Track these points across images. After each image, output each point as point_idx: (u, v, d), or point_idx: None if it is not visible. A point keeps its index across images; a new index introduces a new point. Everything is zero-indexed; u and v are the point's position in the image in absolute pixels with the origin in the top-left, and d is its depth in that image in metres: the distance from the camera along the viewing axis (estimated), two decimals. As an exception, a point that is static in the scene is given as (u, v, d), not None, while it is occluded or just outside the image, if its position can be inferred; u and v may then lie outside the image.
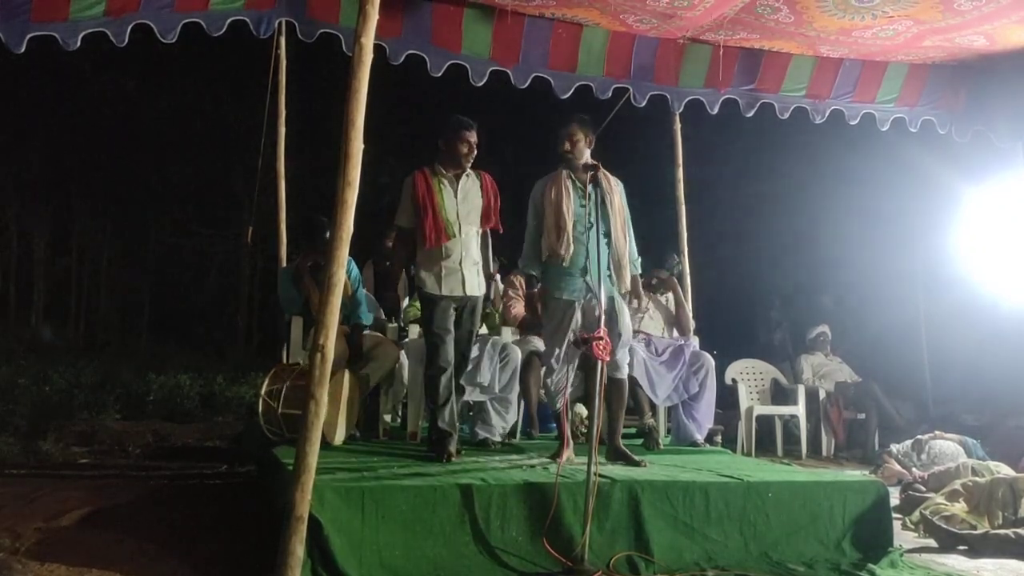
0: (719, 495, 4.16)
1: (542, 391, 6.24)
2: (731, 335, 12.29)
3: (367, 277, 7.04)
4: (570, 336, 4.84)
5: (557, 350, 4.91)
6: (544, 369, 5.16)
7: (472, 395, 5.78)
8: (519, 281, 6.61)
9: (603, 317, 4.34)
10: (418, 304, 6.22)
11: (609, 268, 4.90)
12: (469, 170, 5.16)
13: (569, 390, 4.94)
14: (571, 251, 4.85)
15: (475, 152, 5.11)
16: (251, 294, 21.95)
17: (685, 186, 7.53)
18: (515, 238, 5.43)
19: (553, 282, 4.96)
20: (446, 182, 5.10)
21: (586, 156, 4.96)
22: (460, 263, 5.06)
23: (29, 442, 7.09)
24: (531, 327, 6.40)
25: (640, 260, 5.26)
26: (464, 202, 5.11)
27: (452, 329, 5.08)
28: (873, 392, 8.27)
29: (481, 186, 5.19)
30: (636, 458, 4.85)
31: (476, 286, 5.16)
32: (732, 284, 14.97)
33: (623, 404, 5.14)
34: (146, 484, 5.67)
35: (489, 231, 5.29)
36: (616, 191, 5.01)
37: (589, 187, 4.76)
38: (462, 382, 5.34)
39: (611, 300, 4.91)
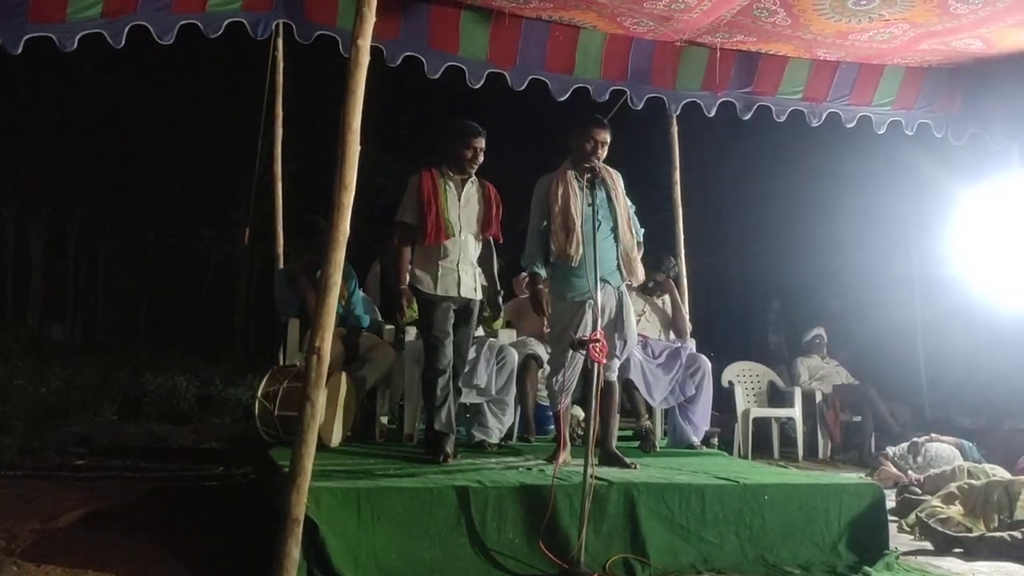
0: (715, 497, 4.16)
1: (540, 394, 6.24)
2: (728, 338, 12.32)
3: (373, 276, 7.03)
4: (571, 337, 4.82)
5: (565, 352, 4.89)
6: (549, 369, 5.15)
7: (469, 397, 5.79)
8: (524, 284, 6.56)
9: (600, 320, 4.35)
10: (415, 305, 6.25)
11: (619, 262, 4.91)
12: (474, 176, 5.20)
13: (572, 390, 4.95)
14: (580, 252, 4.83)
15: (480, 159, 5.13)
16: (248, 295, 21.92)
17: (682, 189, 7.54)
18: (513, 241, 5.43)
19: (561, 283, 4.94)
20: (451, 184, 5.13)
21: None
22: (457, 264, 5.08)
23: (26, 443, 7.09)
24: (531, 328, 6.41)
25: (643, 231, 5.26)
26: (466, 206, 5.14)
27: (451, 332, 5.09)
28: (869, 395, 8.27)
29: (484, 194, 5.24)
30: (628, 460, 4.85)
31: (472, 289, 5.18)
32: (729, 287, 15.00)
33: (614, 407, 5.14)
34: (143, 485, 5.67)
35: (492, 242, 5.34)
36: (619, 185, 5.02)
37: (593, 184, 4.77)
38: (459, 384, 5.34)
39: (619, 301, 4.92)
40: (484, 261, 5.35)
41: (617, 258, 4.93)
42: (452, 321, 5.11)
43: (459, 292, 5.09)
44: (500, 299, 5.74)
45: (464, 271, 5.11)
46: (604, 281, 4.72)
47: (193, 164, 19.52)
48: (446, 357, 5.04)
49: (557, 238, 4.87)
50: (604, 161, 4.99)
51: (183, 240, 21.94)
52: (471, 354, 5.63)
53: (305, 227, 6.20)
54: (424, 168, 5.18)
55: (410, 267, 5.14)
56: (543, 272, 5.01)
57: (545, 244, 4.96)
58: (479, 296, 5.28)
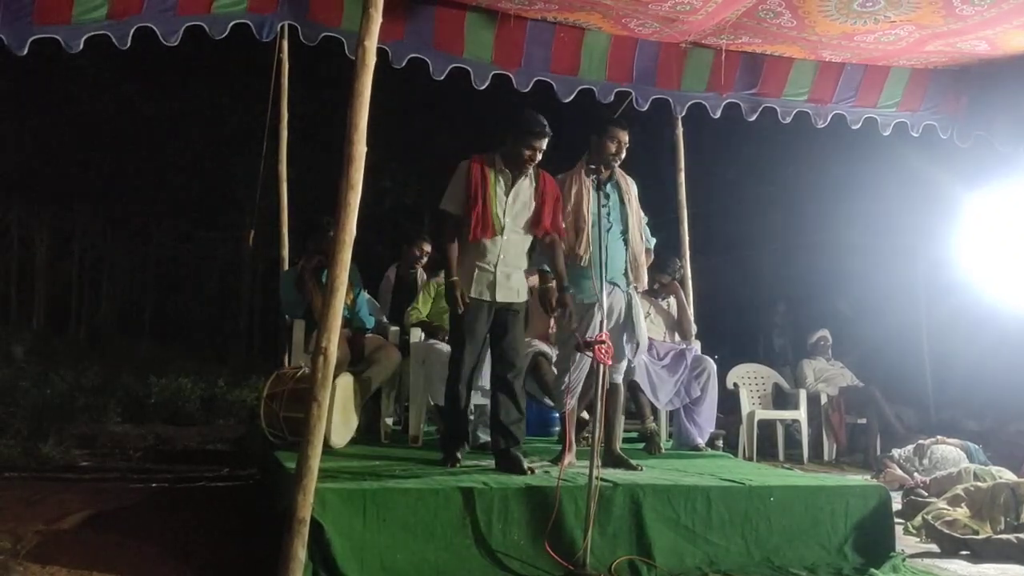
0: (721, 499, 4.16)
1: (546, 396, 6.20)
2: (733, 340, 12.30)
3: (387, 283, 7.03)
4: (578, 338, 4.80)
5: (574, 354, 4.87)
6: (556, 371, 5.13)
7: (474, 399, 5.76)
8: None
9: (608, 322, 4.35)
10: (420, 307, 6.23)
11: (627, 267, 4.92)
12: (529, 170, 4.81)
13: (578, 392, 4.94)
14: (589, 252, 4.83)
15: (537, 160, 4.75)
16: (252, 297, 21.96)
17: (687, 190, 7.52)
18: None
19: (572, 286, 4.91)
20: (501, 178, 4.76)
21: None
22: (495, 266, 4.73)
23: (30, 445, 7.07)
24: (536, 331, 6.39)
25: (655, 241, 5.26)
26: (514, 203, 4.76)
27: (479, 334, 4.80)
28: (874, 397, 8.26)
29: (538, 188, 4.80)
30: (633, 463, 4.86)
31: (515, 292, 4.81)
32: (734, 289, 14.96)
33: (619, 409, 5.14)
34: (147, 487, 5.67)
35: (558, 240, 4.84)
36: (632, 191, 5.04)
37: (607, 186, 4.79)
38: (474, 388, 5.24)
39: (629, 303, 4.93)
40: (551, 258, 4.85)
41: (626, 262, 4.94)
42: (485, 325, 4.80)
43: (494, 296, 4.74)
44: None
45: (502, 273, 4.74)
46: (613, 284, 4.76)
47: (197, 166, 19.55)
48: (468, 364, 4.82)
49: (567, 237, 4.89)
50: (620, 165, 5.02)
51: (187, 242, 21.97)
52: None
53: (312, 227, 6.19)
54: (475, 156, 4.80)
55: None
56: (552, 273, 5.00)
57: None
58: (522, 298, 4.88)
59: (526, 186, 4.80)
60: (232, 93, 17.59)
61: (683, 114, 7.29)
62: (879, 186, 11.35)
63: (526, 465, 4.57)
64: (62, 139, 18.41)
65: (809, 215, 13.13)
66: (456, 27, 6.36)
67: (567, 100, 6.79)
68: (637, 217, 5.05)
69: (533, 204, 4.80)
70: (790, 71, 7.09)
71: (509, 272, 4.78)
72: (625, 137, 4.96)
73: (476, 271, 4.74)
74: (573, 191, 4.93)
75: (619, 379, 5.07)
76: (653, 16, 6.26)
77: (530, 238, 4.86)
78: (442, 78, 6.46)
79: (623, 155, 4.97)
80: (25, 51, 5.18)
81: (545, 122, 4.72)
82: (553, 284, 4.87)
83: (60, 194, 19.87)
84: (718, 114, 7.24)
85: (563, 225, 4.90)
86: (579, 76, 6.78)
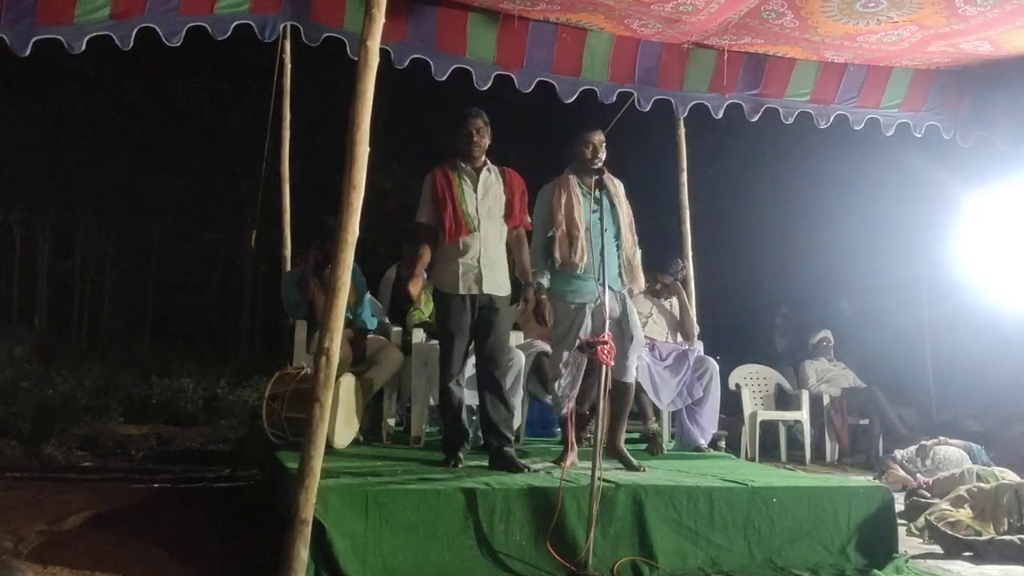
0: (723, 500, 4.16)
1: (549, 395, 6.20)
2: (735, 340, 12.29)
3: (387, 283, 7.02)
4: (577, 340, 4.81)
5: (566, 354, 4.88)
6: (551, 374, 5.12)
7: (476, 400, 5.76)
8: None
9: (608, 321, 4.34)
10: (422, 308, 6.23)
11: (620, 269, 4.91)
12: (491, 165, 5.03)
13: (575, 395, 4.93)
14: (585, 259, 4.83)
15: (483, 138, 4.95)
16: (254, 298, 21.95)
17: (689, 191, 7.52)
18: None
19: (563, 287, 4.92)
20: (466, 177, 4.95)
21: None
22: (478, 260, 4.87)
23: (32, 445, 7.09)
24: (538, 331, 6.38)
25: (639, 253, 5.27)
26: (484, 197, 4.94)
27: (466, 330, 4.91)
28: (876, 398, 8.25)
29: (505, 182, 5.02)
30: (635, 462, 4.85)
31: (497, 285, 4.94)
32: (736, 289, 14.97)
33: (627, 408, 5.12)
34: (149, 488, 5.67)
35: (524, 234, 5.09)
36: (620, 191, 5.03)
37: (597, 191, 4.78)
38: (464, 387, 5.26)
39: (623, 304, 4.92)
40: (516, 252, 5.09)
41: (619, 264, 4.93)
42: (470, 320, 4.90)
43: (481, 289, 4.87)
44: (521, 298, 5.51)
45: (486, 266, 4.88)
46: (608, 287, 4.72)
47: (199, 166, 19.54)
48: (459, 358, 4.92)
49: (561, 246, 4.86)
50: (607, 162, 5.00)
51: (188, 243, 21.95)
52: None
53: (321, 228, 6.19)
54: (437, 167, 5.04)
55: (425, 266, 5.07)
56: (547, 282, 4.97)
57: (549, 252, 4.93)
58: (505, 292, 5.01)
59: (493, 180, 5.03)
60: (234, 94, 17.59)
61: (685, 115, 7.28)
62: (881, 187, 11.35)
63: (521, 462, 4.62)
64: (63, 139, 18.41)
65: (811, 215, 13.13)
66: (458, 28, 6.35)
67: (569, 101, 6.79)
68: (628, 217, 5.03)
69: (504, 197, 5.01)
70: (792, 72, 7.09)
71: (492, 264, 4.93)
72: (598, 138, 4.95)
73: (460, 268, 4.88)
74: (563, 200, 4.90)
75: (630, 378, 5.03)
76: (655, 17, 6.26)
77: (505, 231, 5.04)
78: (444, 79, 6.46)
79: (602, 155, 4.93)
80: (27, 52, 5.17)
81: (475, 108, 5.01)
82: (546, 296, 4.90)
83: (62, 194, 19.87)
84: (720, 115, 7.23)
85: (529, 220, 5.07)
86: (581, 77, 6.77)
